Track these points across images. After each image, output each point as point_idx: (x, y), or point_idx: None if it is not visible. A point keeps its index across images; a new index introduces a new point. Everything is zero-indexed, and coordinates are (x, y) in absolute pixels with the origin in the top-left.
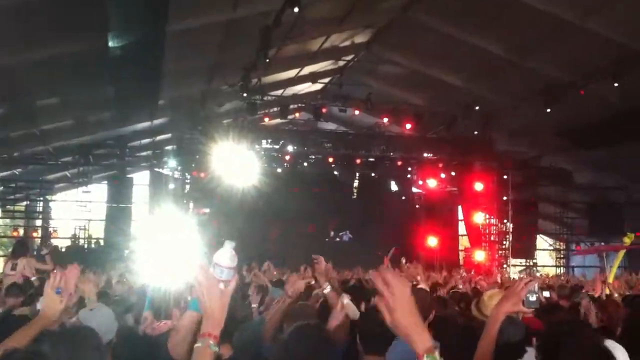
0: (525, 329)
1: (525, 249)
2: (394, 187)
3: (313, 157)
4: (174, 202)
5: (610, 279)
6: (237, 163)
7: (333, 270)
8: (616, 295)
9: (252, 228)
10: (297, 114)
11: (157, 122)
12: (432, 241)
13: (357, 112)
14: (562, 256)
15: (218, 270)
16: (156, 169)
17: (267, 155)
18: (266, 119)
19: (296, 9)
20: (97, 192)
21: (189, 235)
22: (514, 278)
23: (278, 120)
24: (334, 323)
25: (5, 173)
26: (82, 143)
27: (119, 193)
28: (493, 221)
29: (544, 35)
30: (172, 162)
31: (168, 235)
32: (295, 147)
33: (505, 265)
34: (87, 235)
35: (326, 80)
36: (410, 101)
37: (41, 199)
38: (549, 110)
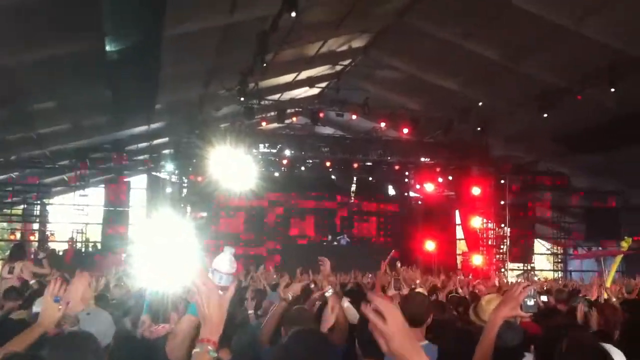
0: (523, 334)
1: (522, 254)
2: (391, 191)
3: (310, 161)
4: (171, 206)
5: (608, 284)
6: (235, 167)
7: (331, 273)
8: (614, 299)
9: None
10: (294, 119)
11: (154, 126)
12: (430, 245)
13: (354, 117)
14: (559, 260)
15: (217, 276)
16: (153, 173)
17: (264, 159)
18: (263, 123)
19: (293, 14)
20: (95, 196)
21: (186, 239)
22: (512, 282)
23: (275, 125)
24: (326, 326)
25: (2, 176)
26: (79, 147)
27: (116, 197)
28: (490, 225)
29: (540, 41)
30: (169, 166)
31: (165, 239)
32: (292, 152)
33: (502, 270)
34: (84, 239)
35: (323, 84)
36: (407, 106)
37: (38, 202)
38: (545, 115)
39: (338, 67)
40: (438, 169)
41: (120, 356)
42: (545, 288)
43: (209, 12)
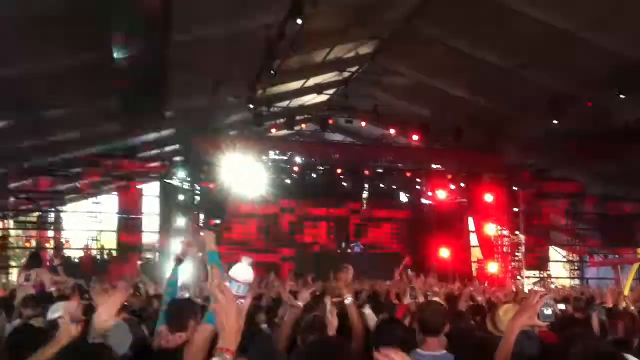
0: (540, 343)
1: (538, 261)
2: (403, 198)
3: (321, 168)
4: (184, 213)
5: (626, 292)
6: (246, 174)
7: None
8: (632, 307)
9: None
10: (303, 125)
11: (165, 133)
12: (445, 253)
13: (363, 124)
14: (576, 268)
15: (235, 286)
16: (166, 180)
17: (275, 166)
18: (273, 130)
19: (299, 21)
20: (108, 203)
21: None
22: (529, 289)
23: (285, 132)
24: (331, 330)
25: (16, 184)
26: (92, 154)
27: (130, 204)
28: (505, 233)
29: (551, 47)
30: (180, 174)
31: (180, 247)
32: (303, 158)
33: (519, 277)
34: (99, 246)
35: (332, 91)
36: (417, 112)
37: (53, 210)
38: (556, 122)
39: (346, 74)
40: (450, 176)
41: None
42: (562, 296)
43: (216, 19)
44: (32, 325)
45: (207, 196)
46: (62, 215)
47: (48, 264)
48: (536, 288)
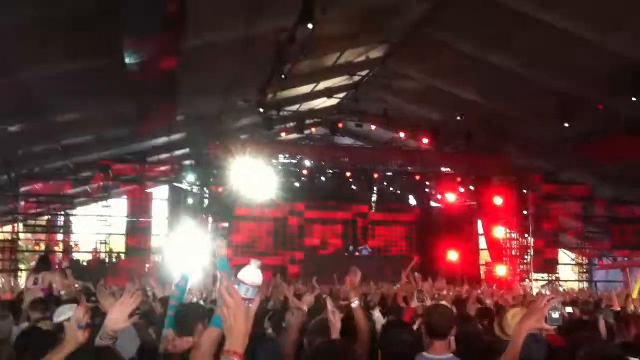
0: (547, 347)
1: (547, 264)
2: (412, 201)
3: (331, 171)
4: (193, 216)
5: (635, 295)
6: (255, 178)
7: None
8: None
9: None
10: (313, 129)
11: (175, 137)
12: (453, 256)
13: (373, 127)
14: (585, 271)
15: (243, 289)
16: (175, 184)
17: (284, 169)
18: (283, 134)
19: (310, 26)
20: (117, 207)
21: (209, 250)
22: (537, 292)
23: (295, 135)
24: (334, 332)
25: (26, 188)
26: (102, 158)
27: (139, 208)
28: (514, 236)
29: (561, 51)
30: (190, 177)
31: (188, 249)
32: (312, 162)
33: (527, 280)
34: (108, 250)
35: (342, 95)
36: (427, 116)
37: (62, 213)
38: (567, 125)
39: (356, 78)
40: (459, 179)
41: None
42: (570, 299)
43: (226, 24)
44: (40, 328)
45: (216, 200)
46: (71, 218)
47: (57, 267)
48: (544, 291)
